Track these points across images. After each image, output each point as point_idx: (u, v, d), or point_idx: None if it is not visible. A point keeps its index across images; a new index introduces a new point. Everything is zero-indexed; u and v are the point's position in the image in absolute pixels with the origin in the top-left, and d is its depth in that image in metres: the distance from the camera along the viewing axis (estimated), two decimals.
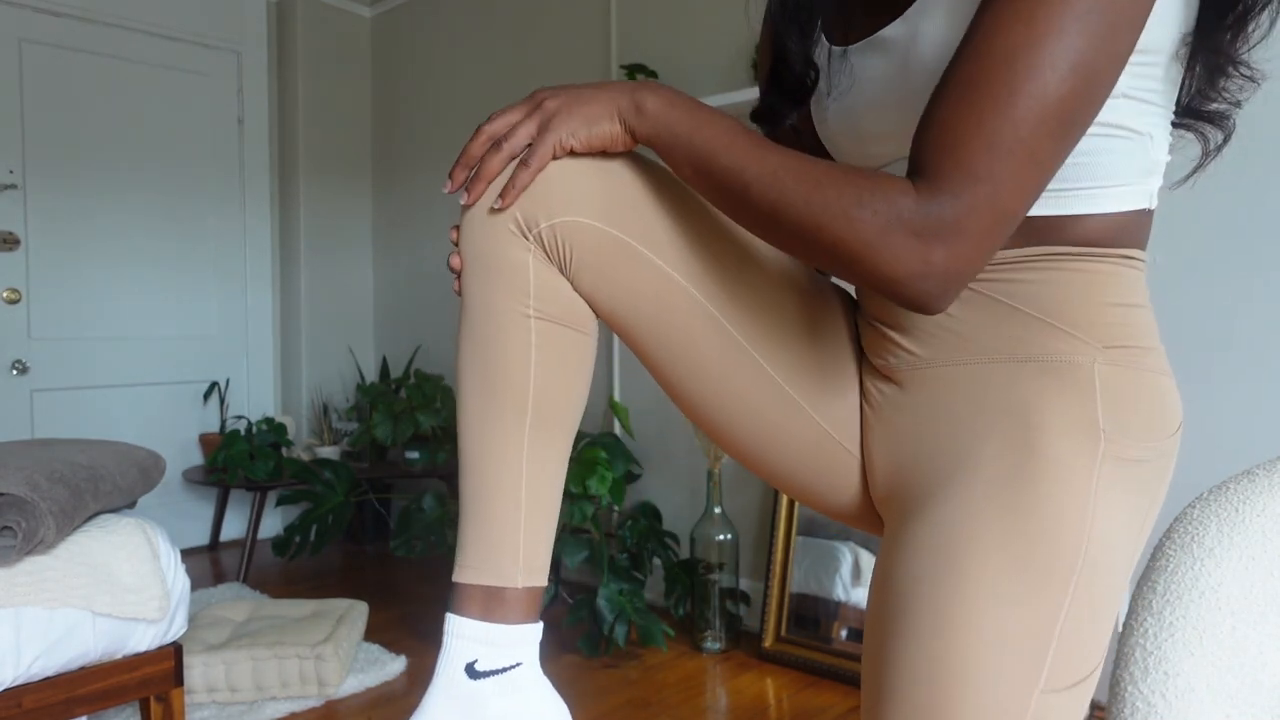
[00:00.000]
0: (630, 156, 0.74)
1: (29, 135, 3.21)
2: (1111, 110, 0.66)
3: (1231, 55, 0.70)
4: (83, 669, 1.63)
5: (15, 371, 3.21)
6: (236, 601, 2.49)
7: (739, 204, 0.65)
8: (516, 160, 0.70)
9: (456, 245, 0.74)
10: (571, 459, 2.46)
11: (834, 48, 0.79)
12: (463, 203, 0.73)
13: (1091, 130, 0.65)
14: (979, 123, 0.57)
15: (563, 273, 0.73)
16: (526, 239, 0.71)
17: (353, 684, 2.23)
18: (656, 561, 2.65)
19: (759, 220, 0.64)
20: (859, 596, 2.28)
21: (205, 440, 3.62)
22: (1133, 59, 0.64)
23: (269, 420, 3.49)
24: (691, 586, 2.49)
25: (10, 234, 3.18)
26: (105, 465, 1.75)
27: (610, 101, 0.69)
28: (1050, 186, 0.67)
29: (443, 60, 3.67)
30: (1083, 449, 0.65)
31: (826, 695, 2.19)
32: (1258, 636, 0.70)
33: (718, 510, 2.50)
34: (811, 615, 2.35)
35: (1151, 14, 0.62)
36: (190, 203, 3.64)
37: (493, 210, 0.70)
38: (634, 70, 2.72)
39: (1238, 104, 0.76)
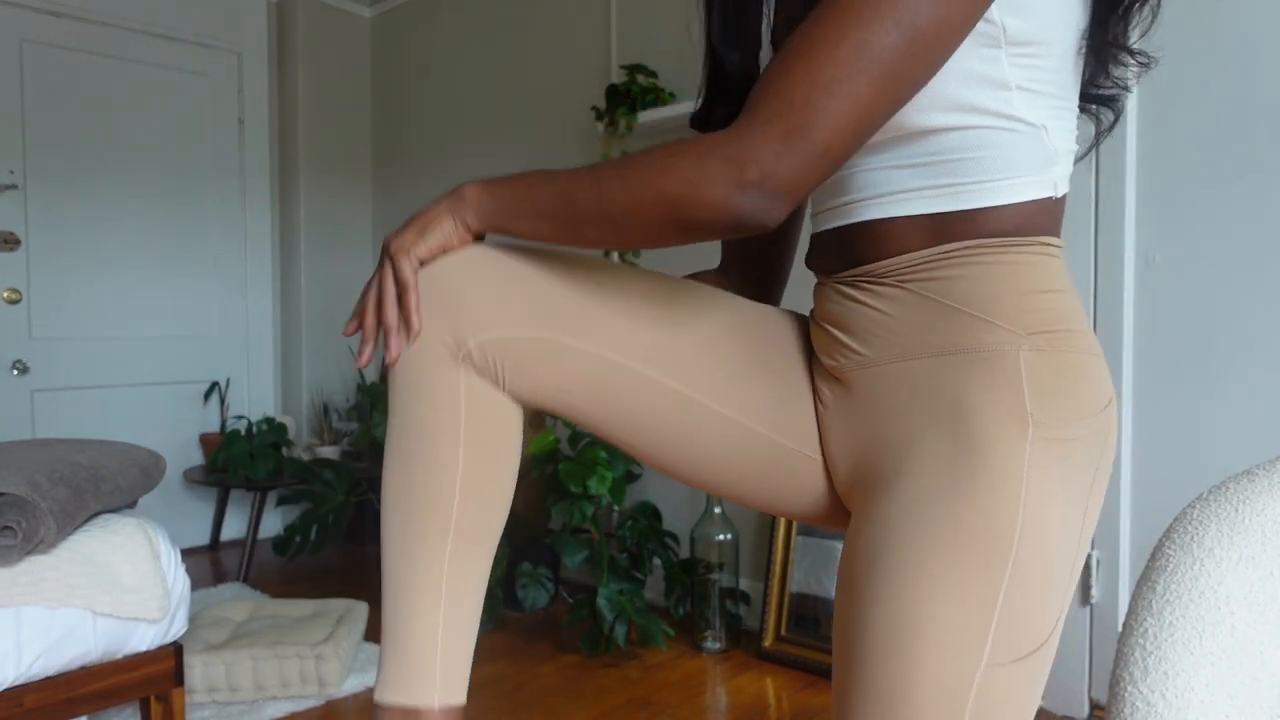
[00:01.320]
0: (530, 252, 0.78)
1: (30, 135, 3.21)
2: (1004, 102, 0.69)
3: (1125, 45, 0.74)
4: (83, 669, 1.63)
5: (16, 371, 3.21)
6: (237, 601, 2.49)
7: (586, 224, 0.69)
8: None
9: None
10: (571, 459, 2.46)
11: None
12: (356, 368, 0.82)
13: (984, 124, 0.69)
14: (806, 65, 0.61)
15: (497, 385, 0.76)
16: (456, 360, 0.74)
17: (353, 684, 2.23)
18: (656, 561, 2.65)
19: (612, 227, 0.68)
20: None
21: (205, 440, 3.62)
22: (1023, 52, 0.68)
23: (269, 420, 3.49)
24: (691, 586, 2.49)
25: (11, 234, 3.18)
26: (105, 465, 1.75)
27: (436, 207, 0.76)
28: (949, 182, 0.70)
29: (443, 60, 3.67)
30: (1013, 434, 0.67)
31: (826, 695, 2.19)
32: (1258, 636, 0.70)
33: (717, 510, 2.50)
34: (811, 615, 2.35)
35: (1046, 9, 0.67)
36: (190, 203, 3.64)
37: (413, 339, 0.74)
38: (634, 70, 2.72)
39: (1127, 88, 0.80)
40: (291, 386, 3.92)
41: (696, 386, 0.77)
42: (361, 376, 3.92)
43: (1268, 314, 1.80)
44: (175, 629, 1.77)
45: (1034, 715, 0.70)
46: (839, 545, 2.33)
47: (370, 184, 4.05)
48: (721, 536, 2.47)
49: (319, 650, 2.15)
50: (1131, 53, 0.75)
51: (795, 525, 2.42)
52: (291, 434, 3.66)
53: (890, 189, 0.73)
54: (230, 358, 3.79)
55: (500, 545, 2.71)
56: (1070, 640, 2.04)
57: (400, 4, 3.86)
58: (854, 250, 0.76)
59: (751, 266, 0.98)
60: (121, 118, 3.43)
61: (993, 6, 0.65)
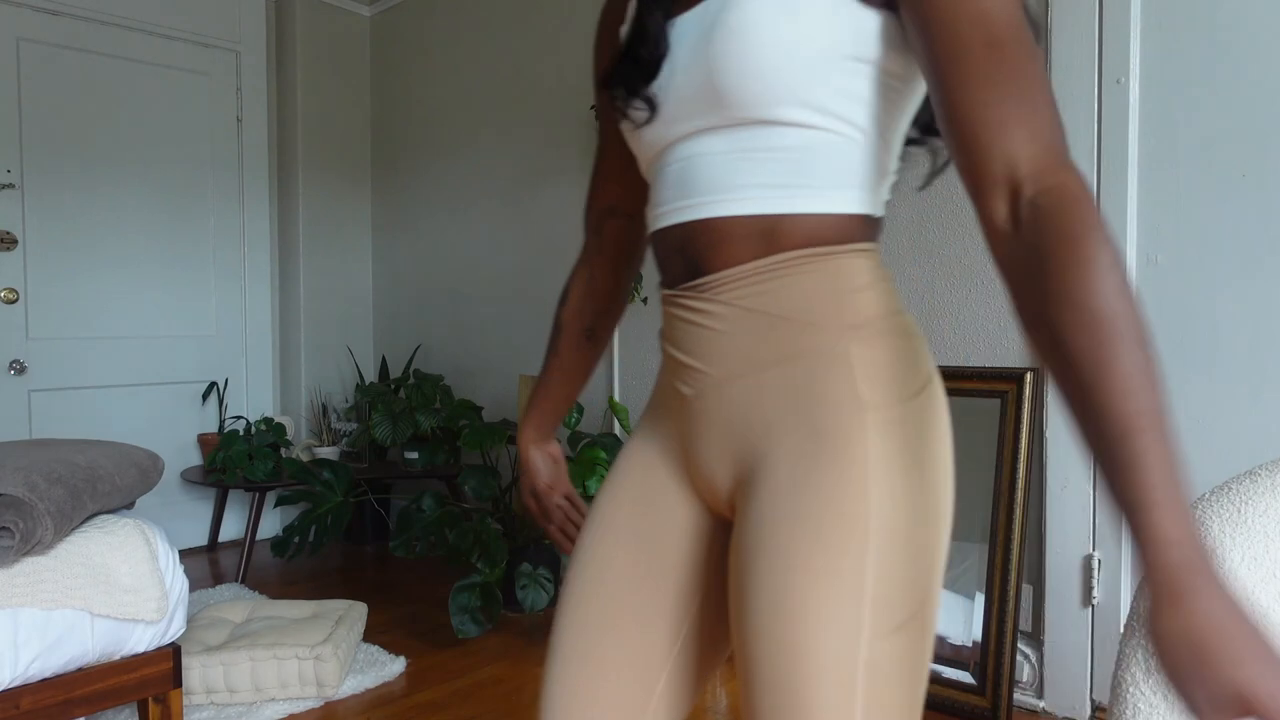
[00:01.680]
0: None
1: (27, 134, 3.21)
2: (856, 115, 0.72)
3: None
4: (81, 670, 1.63)
5: (13, 372, 3.21)
6: (235, 602, 2.48)
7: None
8: None
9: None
10: (571, 459, 2.46)
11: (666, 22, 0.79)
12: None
13: (832, 128, 0.72)
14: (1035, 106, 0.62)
15: None
16: None
17: (352, 685, 2.23)
18: None
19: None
20: None
21: (204, 440, 3.61)
22: (889, 79, 0.72)
23: (268, 420, 3.49)
24: None
25: (8, 233, 3.18)
26: (103, 466, 1.74)
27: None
28: (786, 181, 0.73)
29: (442, 60, 3.67)
30: (852, 422, 0.71)
31: None
32: None
33: None
34: None
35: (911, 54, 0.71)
36: (189, 202, 3.63)
37: None
38: None
39: None
40: (290, 387, 3.91)
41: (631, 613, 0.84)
42: (360, 376, 3.91)
43: (1270, 314, 1.80)
44: (173, 630, 1.76)
45: (926, 679, 0.73)
46: None
47: (369, 183, 4.04)
48: None
49: (317, 651, 2.14)
50: None
51: None
52: (290, 434, 3.66)
53: (728, 182, 0.74)
54: (228, 358, 3.78)
55: (500, 545, 2.71)
56: (1072, 641, 2.04)
57: (399, 3, 3.86)
58: (693, 252, 0.77)
59: (617, 249, 1.04)
60: (119, 116, 3.43)
61: (881, 42, 0.70)
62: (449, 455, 3.26)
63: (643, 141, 0.82)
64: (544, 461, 1.10)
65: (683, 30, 0.76)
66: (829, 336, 0.73)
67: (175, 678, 1.76)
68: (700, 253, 0.77)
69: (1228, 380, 1.85)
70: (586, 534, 0.87)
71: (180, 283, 3.62)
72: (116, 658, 1.68)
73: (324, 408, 3.80)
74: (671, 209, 0.79)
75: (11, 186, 3.18)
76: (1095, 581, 2.00)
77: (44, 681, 1.57)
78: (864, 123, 0.72)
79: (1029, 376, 2.08)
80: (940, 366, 2.24)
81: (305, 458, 3.57)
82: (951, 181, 2.22)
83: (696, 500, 0.84)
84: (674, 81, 0.76)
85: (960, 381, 2.19)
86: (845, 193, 0.73)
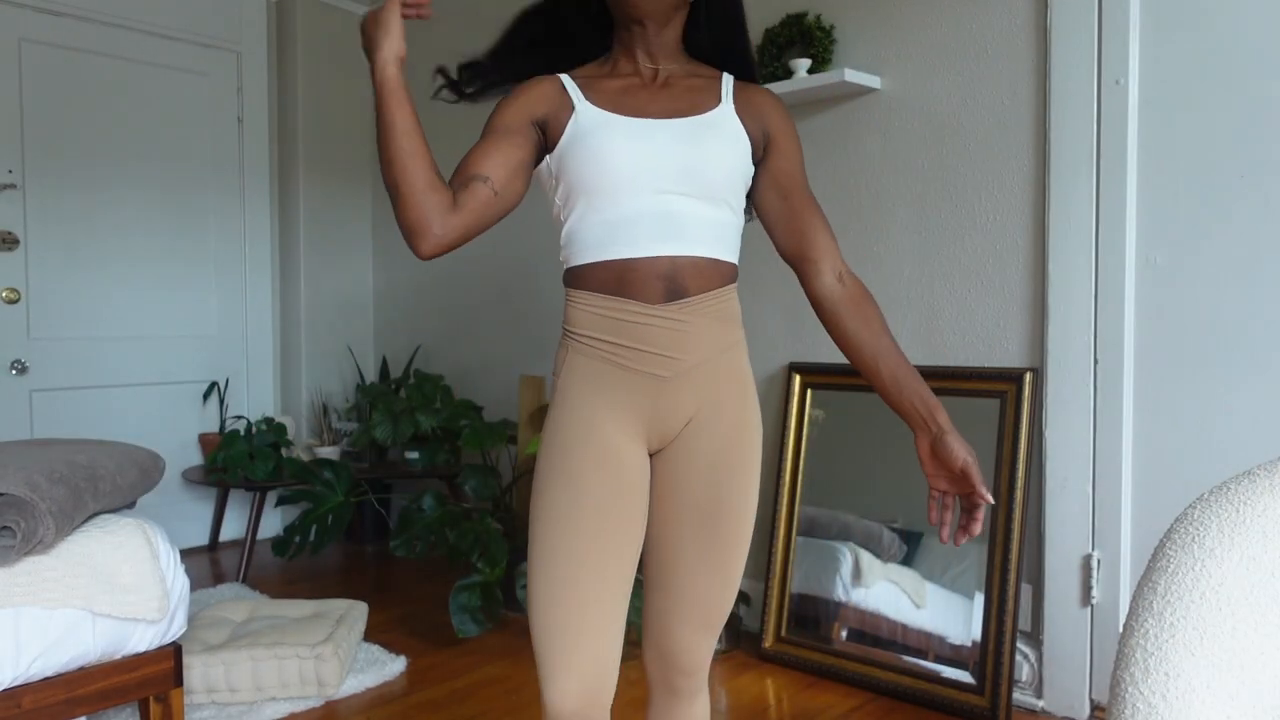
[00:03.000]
0: None
1: (28, 135, 3.21)
2: (738, 203, 1.20)
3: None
4: (82, 669, 1.63)
5: (14, 371, 3.21)
6: (236, 602, 2.49)
7: None
8: None
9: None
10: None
11: None
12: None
13: (740, 221, 1.22)
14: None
15: None
16: None
17: (352, 684, 2.23)
18: None
19: None
20: (859, 597, 2.28)
21: (205, 440, 3.62)
22: (745, 192, 1.23)
23: (268, 420, 3.49)
24: None
25: (9, 234, 3.18)
26: (104, 465, 1.75)
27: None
28: (723, 239, 1.18)
29: (442, 59, 3.66)
30: (749, 381, 1.23)
31: (827, 695, 2.19)
32: (1258, 637, 0.70)
33: None
34: (811, 616, 2.35)
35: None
36: (190, 202, 3.64)
37: None
38: None
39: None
40: (291, 386, 3.92)
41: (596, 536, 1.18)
42: (361, 376, 3.92)
43: (1269, 314, 1.80)
44: (174, 629, 1.76)
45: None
46: (839, 546, 2.33)
47: (370, 183, 4.04)
48: None
49: (318, 651, 2.14)
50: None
51: (796, 526, 2.43)
52: (290, 434, 3.66)
53: (706, 238, 1.16)
54: (229, 357, 3.78)
55: (500, 545, 2.71)
56: (1071, 641, 2.04)
57: None
58: (680, 280, 1.14)
59: (479, 207, 1.17)
60: (120, 117, 3.43)
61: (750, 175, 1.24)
62: (449, 455, 3.26)
63: (620, 189, 1.14)
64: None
65: (662, 128, 1.17)
66: (741, 333, 1.23)
67: (176, 677, 1.77)
68: (687, 280, 1.14)
69: (1226, 380, 1.85)
70: (565, 476, 1.15)
71: (181, 282, 3.63)
72: (118, 657, 1.68)
73: (324, 407, 3.80)
74: (658, 244, 1.14)
75: (13, 186, 3.18)
76: (1094, 581, 2.00)
77: (45, 680, 1.58)
78: (742, 213, 1.23)
79: (1029, 376, 2.08)
80: (940, 366, 2.25)
81: (306, 457, 3.57)
82: (950, 188, 2.22)
83: (643, 446, 1.19)
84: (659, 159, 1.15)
85: (960, 381, 2.20)
86: (736, 250, 1.22)
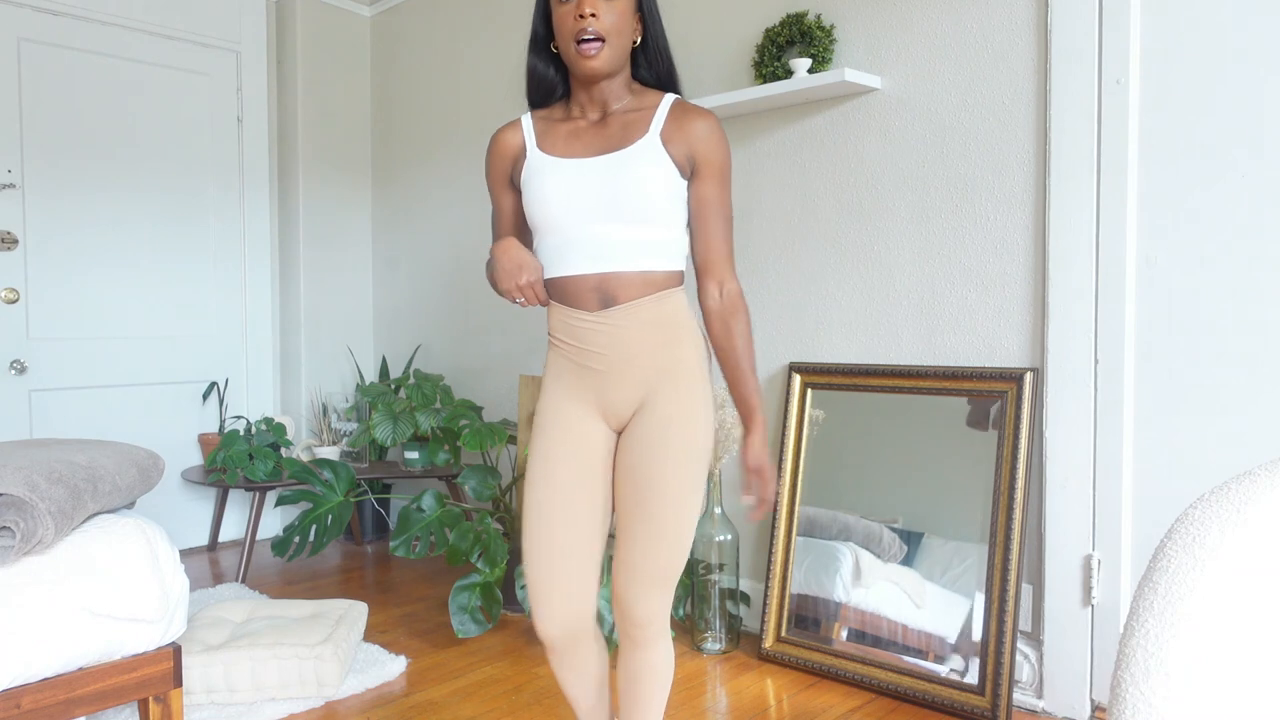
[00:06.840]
0: None
1: (28, 135, 3.21)
2: (681, 225, 1.43)
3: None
4: (81, 670, 1.63)
5: (14, 371, 3.21)
6: (235, 602, 2.48)
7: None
8: None
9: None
10: None
11: None
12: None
13: (676, 233, 1.41)
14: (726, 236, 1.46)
15: None
16: None
17: (352, 684, 2.23)
18: None
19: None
20: (859, 597, 2.27)
21: (204, 440, 3.61)
22: (683, 207, 1.43)
23: (268, 420, 3.49)
24: (692, 587, 2.49)
25: (9, 233, 3.18)
26: (104, 465, 1.74)
27: None
28: (652, 254, 1.39)
29: (442, 59, 3.67)
30: (694, 373, 1.42)
31: (827, 695, 2.19)
32: (1260, 637, 0.70)
33: (718, 510, 2.49)
34: (812, 616, 2.35)
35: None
36: (189, 202, 3.64)
37: None
38: None
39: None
40: (290, 386, 3.91)
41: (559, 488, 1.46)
42: (360, 376, 3.91)
43: (1269, 314, 1.80)
44: (174, 630, 1.76)
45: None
46: (839, 546, 2.33)
47: (369, 183, 4.04)
48: (721, 537, 2.46)
49: (318, 651, 2.14)
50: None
51: (796, 526, 2.42)
52: (290, 434, 3.66)
53: (631, 255, 1.38)
54: (229, 358, 3.78)
55: (500, 545, 2.71)
56: (1071, 641, 2.04)
57: (400, 3, 3.86)
58: (610, 291, 1.38)
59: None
60: (120, 117, 3.43)
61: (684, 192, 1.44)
62: (449, 455, 3.26)
63: (556, 222, 1.39)
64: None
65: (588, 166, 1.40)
66: (680, 332, 1.41)
67: (175, 677, 1.76)
68: (615, 291, 1.38)
69: (1226, 380, 1.85)
70: (540, 453, 1.43)
71: (181, 282, 3.63)
72: (117, 657, 1.68)
73: (324, 407, 3.80)
74: (600, 261, 1.38)
75: (12, 186, 3.18)
76: (1095, 581, 2.00)
77: (44, 681, 1.57)
78: (678, 225, 1.42)
79: (1029, 376, 2.08)
80: (940, 366, 2.24)
81: (305, 457, 3.57)
82: (952, 187, 2.22)
83: (603, 424, 1.44)
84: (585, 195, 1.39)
85: (960, 381, 2.20)
86: (673, 260, 1.41)
